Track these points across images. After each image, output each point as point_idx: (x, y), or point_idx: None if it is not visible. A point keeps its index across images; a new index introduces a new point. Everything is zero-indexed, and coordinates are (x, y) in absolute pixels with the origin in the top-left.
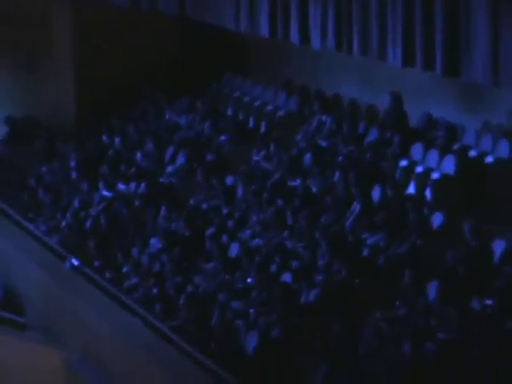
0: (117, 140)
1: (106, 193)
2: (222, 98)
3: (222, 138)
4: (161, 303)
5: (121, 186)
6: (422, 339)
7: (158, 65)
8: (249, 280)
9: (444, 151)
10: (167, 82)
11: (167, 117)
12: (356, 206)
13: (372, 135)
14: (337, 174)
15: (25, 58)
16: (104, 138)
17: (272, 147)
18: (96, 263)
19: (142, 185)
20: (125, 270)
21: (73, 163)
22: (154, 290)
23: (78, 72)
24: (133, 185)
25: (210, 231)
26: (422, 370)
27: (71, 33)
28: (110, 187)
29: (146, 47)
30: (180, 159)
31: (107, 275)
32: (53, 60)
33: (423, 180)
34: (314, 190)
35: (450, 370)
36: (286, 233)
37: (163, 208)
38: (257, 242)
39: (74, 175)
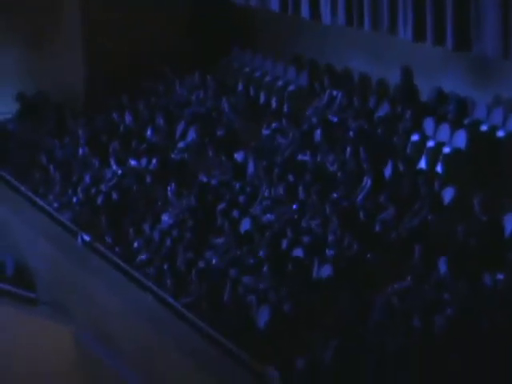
0: (127, 116)
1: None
2: (232, 73)
3: (233, 114)
4: (172, 279)
5: (132, 162)
6: (431, 313)
7: (168, 39)
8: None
9: (455, 126)
10: (177, 57)
11: (177, 92)
12: (367, 181)
13: (383, 110)
14: (348, 149)
15: (34, 34)
16: (114, 114)
17: (283, 122)
18: (107, 239)
19: (153, 161)
20: (136, 245)
21: (83, 139)
22: (165, 266)
23: (88, 48)
24: (144, 161)
25: (220, 207)
26: (431, 345)
27: (80, 8)
28: (121, 163)
29: (157, 21)
30: (190, 135)
31: (118, 250)
32: (62, 36)
33: (434, 155)
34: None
35: (459, 344)
36: (295, 207)
37: (173, 184)
38: (268, 217)
39: (84, 151)
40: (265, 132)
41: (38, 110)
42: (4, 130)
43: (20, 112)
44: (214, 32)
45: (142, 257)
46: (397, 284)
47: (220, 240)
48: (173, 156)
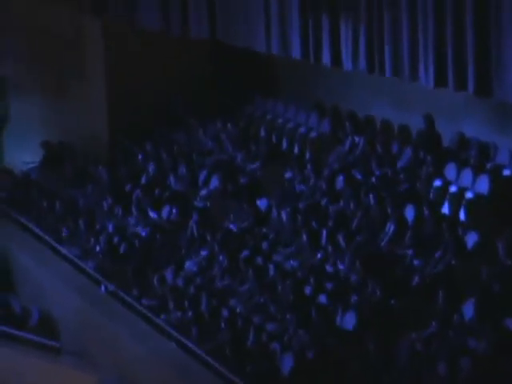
0: (150, 165)
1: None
2: (255, 120)
3: (255, 165)
4: (196, 326)
5: (152, 214)
6: (457, 358)
7: (189, 88)
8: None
9: (477, 171)
10: (199, 105)
11: (200, 141)
12: (390, 227)
13: (405, 156)
14: (371, 196)
15: (58, 83)
16: (137, 162)
17: (307, 169)
18: (131, 288)
19: (174, 210)
20: (160, 293)
21: (106, 188)
22: (189, 314)
23: (111, 96)
24: (165, 211)
25: (244, 254)
26: None
27: (104, 59)
28: (143, 212)
29: (178, 71)
30: (213, 182)
31: (143, 300)
32: (85, 85)
33: (457, 200)
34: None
35: None
36: (320, 255)
37: (196, 230)
38: (291, 263)
39: (107, 200)
40: (287, 178)
41: (61, 158)
42: (28, 179)
43: (44, 161)
44: (236, 80)
45: (167, 305)
46: (422, 330)
47: (244, 287)
48: (195, 203)
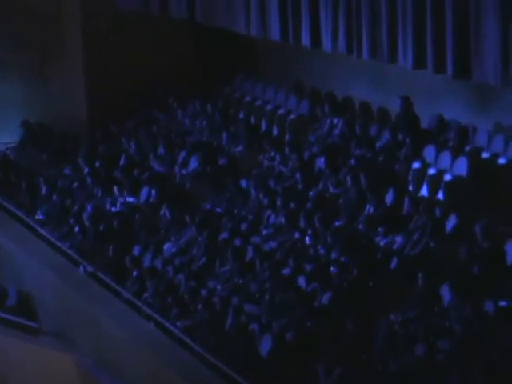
0: (130, 144)
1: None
2: (234, 102)
3: (238, 148)
4: (175, 307)
5: (129, 199)
6: (435, 339)
7: (168, 68)
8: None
9: (456, 153)
10: (178, 85)
11: (179, 120)
12: (369, 209)
13: (384, 138)
14: (349, 177)
15: (37, 63)
16: (116, 142)
17: (285, 151)
18: (110, 268)
19: (153, 192)
20: (135, 274)
21: (86, 169)
22: (168, 295)
23: (90, 77)
24: (144, 193)
25: (223, 235)
26: (435, 371)
27: (82, 37)
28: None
29: (157, 51)
30: (193, 163)
31: (120, 279)
32: (64, 65)
33: (436, 182)
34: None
35: (462, 370)
36: (298, 235)
37: (175, 212)
38: (270, 244)
39: (86, 180)
40: (266, 160)
41: (40, 139)
42: (6, 159)
43: (23, 141)
44: (215, 60)
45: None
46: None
47: (223, 268)
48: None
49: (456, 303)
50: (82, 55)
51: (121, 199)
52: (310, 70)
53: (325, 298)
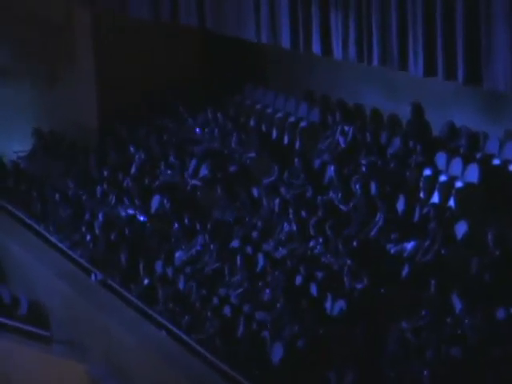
0: (140, 153)
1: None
2: (245, 110)
3: (250, 154)
4: (187, 316)
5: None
6: (446, 346)
7: (179, 77)
8: None
9: (467, 160)
10: (189, 94)
11: (189, 129)
12: (380, 217)
13: (395, 145)
14: (359, 185)
15: (48, 72)
16: (127, 150)
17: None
18: (121, 276)
19: (164, 200)
20: (146, 282)
21: (96, 177)
22: (179, 303)
23: (101, 85)
24: (154, 202)
25: (234, 243)
26: (446, 378)
27: (94, 47)
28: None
29: (170, 59)
30: (203, 171)
31: (132, 288)
32: (75, 74)
33: (447, 189)
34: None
35: (474, 376)
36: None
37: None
38: (281, 252)
39: (97, 189)
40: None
41: (52, 147)
42: (17, 168)
43: (34, 150)
44: (226, 69)
45: (156, 293)
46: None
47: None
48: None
49: (467, 310)
50: (94, 64)
51: (130, 211)
52: (321, 77)
53: (337, 306)
